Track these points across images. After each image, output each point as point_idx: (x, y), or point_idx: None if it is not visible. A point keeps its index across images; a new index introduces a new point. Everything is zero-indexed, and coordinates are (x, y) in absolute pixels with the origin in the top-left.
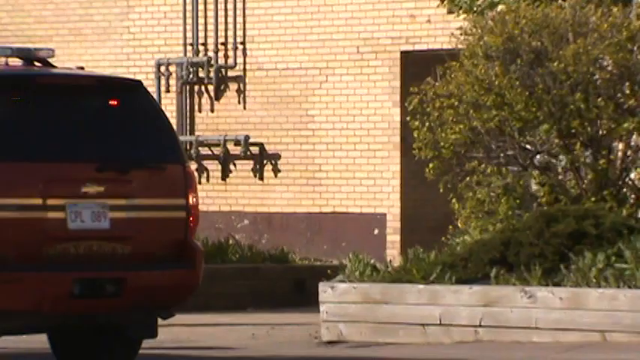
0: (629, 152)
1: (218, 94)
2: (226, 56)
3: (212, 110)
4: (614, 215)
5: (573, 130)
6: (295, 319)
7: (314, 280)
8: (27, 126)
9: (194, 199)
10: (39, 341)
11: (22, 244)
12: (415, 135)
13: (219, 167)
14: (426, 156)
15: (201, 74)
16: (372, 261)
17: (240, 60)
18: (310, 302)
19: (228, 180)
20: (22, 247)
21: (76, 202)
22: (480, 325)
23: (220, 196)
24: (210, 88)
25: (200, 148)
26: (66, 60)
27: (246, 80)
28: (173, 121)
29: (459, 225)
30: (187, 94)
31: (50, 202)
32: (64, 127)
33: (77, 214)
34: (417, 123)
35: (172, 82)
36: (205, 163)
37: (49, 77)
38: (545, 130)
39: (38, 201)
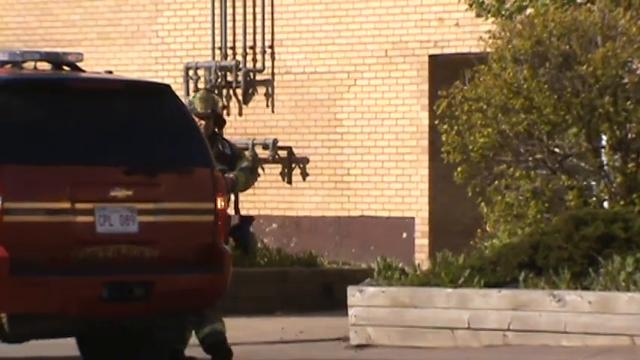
0: None
1: (246, 98)
2: (254, 60)
3: (240, 114)
4: None
5: (602, 134)
6: (324, 323)
7: (342, 283)
8: (55, 129)
9: (222, 203)
10: (67, 345)
11: (50, 247)
12: (443, 138)
13: None
14: (454, 159)
15: (230, 78)
16: (401, 265)
17: (268, 64)
18: (339, 306)
19: (256, 184)
20: (50, 251)
21: (104, 206)
22: (509, 329)
23: (248, 199)
24: (239, 91)
25: None
26: (94, 64)
27: (275, 84)
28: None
29: (488, 228)
30: None
31: (79, 205)
32: (92, 130)
33: (106, 217)
34: (445, 126)
35: (201, 85)
36: None
37: (77, 81)
38: (573, 134)
39: (67, 205)
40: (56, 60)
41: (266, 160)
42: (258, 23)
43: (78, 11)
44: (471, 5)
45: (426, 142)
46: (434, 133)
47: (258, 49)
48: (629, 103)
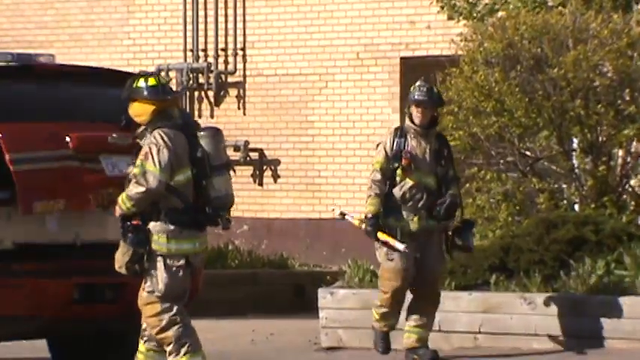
0: (629, 159)
1: (218, 100)
2: (226, 62)
3: (212, 116)
4: (614, 222)
5: (573, 137)
6: (294, 325)
7: (313, 286)
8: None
9: None
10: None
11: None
12: None
13: None
14: None
15: (201, 80)
16: (372, 267)
17: (240, 66)
18: (310, 308)
19: None
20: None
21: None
22: (480, 332)
23: None
24: (210, 93)
25: None
26: None
27: (246, 86)
28: None
29: None
30: (187, 100)
31: None
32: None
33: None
34: None
35: (172, 87)
36: None
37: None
38: (544, 137)
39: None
40: (28, 62)
41: (237, 162)
42: (230, 25)
43: (50, 13)
44: (442, 8)
45: None
46: None
47: (229, 51)
48: (600, 106)
